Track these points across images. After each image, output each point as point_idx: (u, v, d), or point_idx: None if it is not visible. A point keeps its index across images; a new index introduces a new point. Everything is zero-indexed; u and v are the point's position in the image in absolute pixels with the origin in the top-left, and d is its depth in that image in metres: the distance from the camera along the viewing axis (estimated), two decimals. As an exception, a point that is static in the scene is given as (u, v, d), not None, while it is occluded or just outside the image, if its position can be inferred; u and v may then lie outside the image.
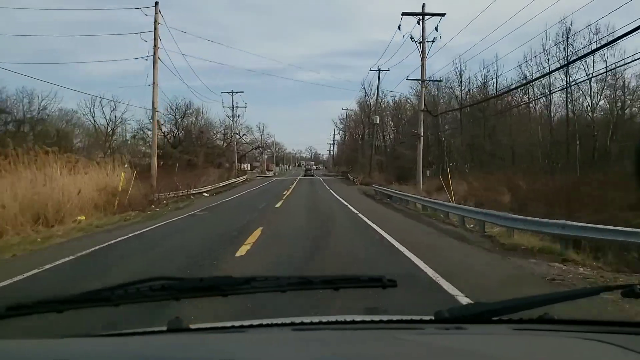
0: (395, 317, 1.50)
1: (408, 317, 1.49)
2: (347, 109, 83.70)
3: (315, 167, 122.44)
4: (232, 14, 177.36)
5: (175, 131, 49.98)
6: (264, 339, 1.36)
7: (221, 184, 36.17)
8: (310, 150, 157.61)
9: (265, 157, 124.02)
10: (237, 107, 54.75)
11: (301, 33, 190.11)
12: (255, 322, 1.51)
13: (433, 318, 1.40)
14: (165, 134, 49.62)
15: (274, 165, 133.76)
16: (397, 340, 1.28)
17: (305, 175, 78.48)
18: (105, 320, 3.13)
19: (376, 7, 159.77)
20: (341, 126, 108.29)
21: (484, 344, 1.20)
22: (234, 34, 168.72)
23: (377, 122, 47.61)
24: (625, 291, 1.28)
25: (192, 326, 1.47)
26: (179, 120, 49.98)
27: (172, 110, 49.75)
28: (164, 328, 1.42)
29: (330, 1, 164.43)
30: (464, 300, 5.14)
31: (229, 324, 1.52)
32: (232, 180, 43.21)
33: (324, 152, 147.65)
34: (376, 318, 1.47)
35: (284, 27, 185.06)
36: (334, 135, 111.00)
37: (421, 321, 1.46)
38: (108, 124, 50.13)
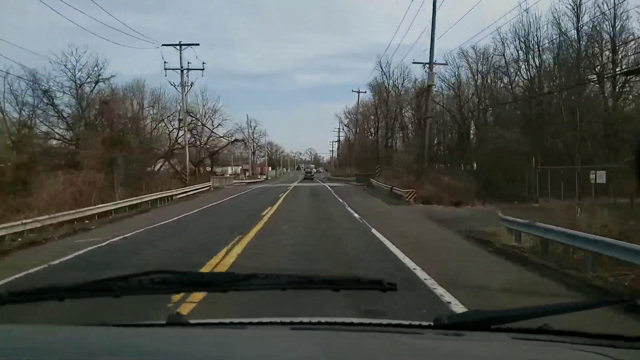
0: (394, 321, 1.48)
1: (407, 322, 1.46)
2: (359, 91, 62.59)
3: (315, 170, 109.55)
4: (233, 16, 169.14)
5: (78, 108, 28.43)
6: (262, 336, 1.37)
7: (85, 212, 14.73)
8: (310, 152, 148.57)
9: (263, 159, 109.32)
10: (188, 69, 33.22)
11: (301, 35, 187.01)
12: (255, 319, 1.50)
13: (432, 324, 1.37)
14: (61, 111, 28.26)
15: (269, 168, 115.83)
16: (394, 343, 1.29)
17: (305, 179, 67.82)
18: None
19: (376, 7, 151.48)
20: (347, 121, 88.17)
21: (483, 351, 1.20)
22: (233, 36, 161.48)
23: (434, 84, 26.22)
24: (627, 306, 1.23)
25: (192, 321, 1.47)
26: (82, 88, 28.50)
27: (70, 70, 28.45)
28: (164, 322, 1.43)
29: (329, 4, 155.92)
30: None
31: (227, 320, 1.51)
32: (154, 196, 21.80)
33: (325, 153, 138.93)
34: (375, 321, 1.50)
35: (283, 30, 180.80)
36: (338, 131, 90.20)
37: (420, 326, 1.42)
38: (20, 113, 28.05)
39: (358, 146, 72.32)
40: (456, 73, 41.62)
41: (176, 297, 4.84)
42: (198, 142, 51.75)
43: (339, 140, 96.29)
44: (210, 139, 53.11)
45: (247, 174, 78.35)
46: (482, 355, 1.17)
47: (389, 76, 63.11)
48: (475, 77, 42.72)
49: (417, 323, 1.43)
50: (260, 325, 1.46)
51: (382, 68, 62.15)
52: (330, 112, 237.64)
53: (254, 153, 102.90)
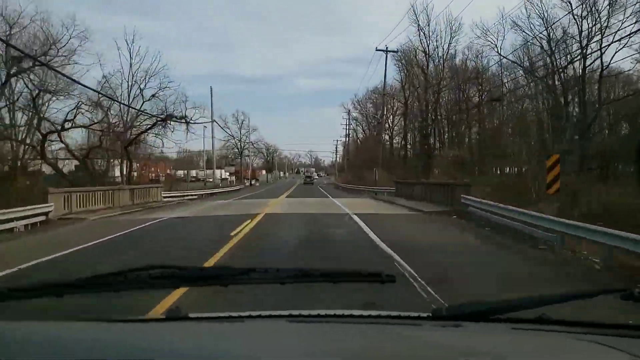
0: (392, 313, 1.46)
1: (406, 313, 1.45)
2: (387, 50, 39.49)
3: (316, 175, 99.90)
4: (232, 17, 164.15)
5: None
6: (261, 330, 1.37)
7: None
8: (311, 156, 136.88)
9: (262, 161, 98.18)
10: None
11: (301, 40, 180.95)
12: (254, 313, 1.49)
13: (431, 315, 1.37)
14: None
15: (263, 171, 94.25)
16: (393, 335, 1.29)
17: (304, 184, 60.81)
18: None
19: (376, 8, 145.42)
20: (355, 113, 65.53)
21: (481, 341, 1.19)
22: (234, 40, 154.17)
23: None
24: (624, 294, 1.26)
25: (191, 315, 1.47)
26: None
27: None
28: (163, 316, 1.43)
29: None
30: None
31: (226, 314, 1.51)
32: None
33: (326, 156, 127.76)
34: (374, 313, 1.48)
35: (283, 30, 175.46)
36: (347, 122, 67.36)
37: (419, 317, 1.41)
38: None
39: (373, 141, 49.58)
40: None
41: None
42: (107, 121, 29.12)
43: (347, 135, 73.01)
44: (136, 118, 30.35)
45: (220, 178, 55.56)
46: (481, 345, 1.16)
47: (428, 35, 40.34)
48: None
49: (415, 314, 1.42)
50: (259, 318, 1.46)
51: (417, 19, 39.38)
52: (331, 115, 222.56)
53: (241, 153, 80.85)
